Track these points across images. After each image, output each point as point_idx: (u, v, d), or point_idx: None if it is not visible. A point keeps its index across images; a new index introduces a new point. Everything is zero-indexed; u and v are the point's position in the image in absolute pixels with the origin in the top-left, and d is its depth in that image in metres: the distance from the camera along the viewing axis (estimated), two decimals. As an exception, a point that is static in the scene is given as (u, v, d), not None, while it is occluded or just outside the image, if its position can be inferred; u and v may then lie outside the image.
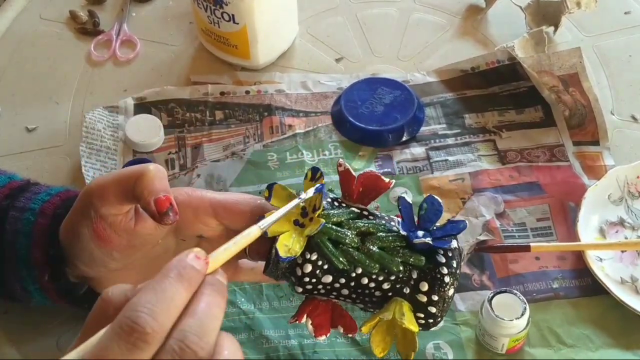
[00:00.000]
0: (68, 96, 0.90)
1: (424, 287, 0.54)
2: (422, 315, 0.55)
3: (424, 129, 0.84)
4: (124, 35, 0.96)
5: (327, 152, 0.82)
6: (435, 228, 0.56)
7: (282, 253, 0.52)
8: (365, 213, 0.56)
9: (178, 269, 0.41)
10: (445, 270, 0.54)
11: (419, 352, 0.66)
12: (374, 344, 0.56)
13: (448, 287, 0.54)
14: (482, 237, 0.74)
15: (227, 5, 0.83)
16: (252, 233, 0.48)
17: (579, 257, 0.72)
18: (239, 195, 0.57)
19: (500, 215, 0.76)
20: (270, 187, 0.55)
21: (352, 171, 0.56)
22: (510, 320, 0.63)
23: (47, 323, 0.69)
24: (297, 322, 0.56)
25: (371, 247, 0.54)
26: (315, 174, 0.55)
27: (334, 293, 0.55)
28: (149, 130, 0.83)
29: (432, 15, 0.98)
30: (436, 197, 0.56)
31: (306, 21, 0.97)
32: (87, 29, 0.97)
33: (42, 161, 0.83)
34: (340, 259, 0.53)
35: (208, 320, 0.41)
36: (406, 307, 0.54)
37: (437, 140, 0.83)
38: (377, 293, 0.55)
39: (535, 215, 0.76)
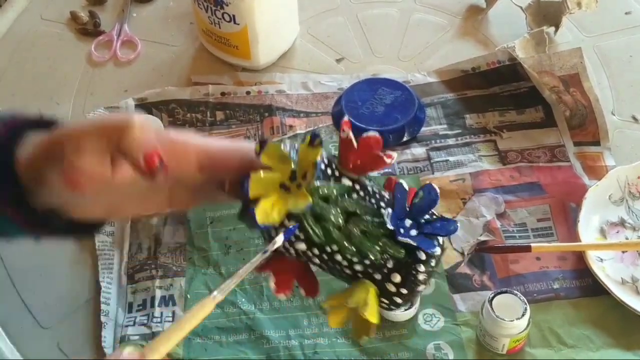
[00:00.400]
0: (69, 97, 0.90)
1: (396, 278, 0.53)
2: (387, 301, 0.54)
3: (424, 129, 0.84)
4: (125, 36, 0.96)
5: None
6: (425, 220, 0.55)
7: (260, 219, 0.50)
8: (357, 187, 0.55)
9: None
10: (422, 269, 0.53)
11: (420, 352, 0.67)
12: (331, 319, 0.54)
13: (420, 284, 0.53)
14: (482, 238, 0.74)
15: (227, 5, 0.83)
16: (205, 308, 0.44)
17: (580, 257, 0.72)
18: (226, 144, 0.52)
19: (501, 216, 0.76)
20: (263, 143, 0.51)
21: (353, 141, 0.54)
22: (511, 321, 0.63)
23: (47, 322, 0.69)
24: (261, 273, 0.54)
25: (353, 229, 0.53)
26: (314, 140, 0.52)
27: (305, 259, 0.54)
28: (149, 131, 0.83)
29: (432, 15, 0.98)
30: (435, 186, 0.55)
31: (307, 21, 0.97)
32: (88, 30, 0.97)
33: (42, 161, 0.83)
34: (319, 234, 0.52)
35: None
36: (372, 293, 0.53)
37: (438, 141, 0.83)
38: (348, 271, 0.54)
39: (536, 215, 0.76)
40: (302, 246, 0.53)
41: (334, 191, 0.53)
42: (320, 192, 0.52)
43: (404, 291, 0.53)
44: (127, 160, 0.47)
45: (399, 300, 0.53)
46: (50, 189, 0.51)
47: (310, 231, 0.52)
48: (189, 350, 0.68)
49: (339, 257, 0.53)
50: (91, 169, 0.48)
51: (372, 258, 0.53)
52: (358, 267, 0.53)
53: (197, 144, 0.51)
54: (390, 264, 0.53)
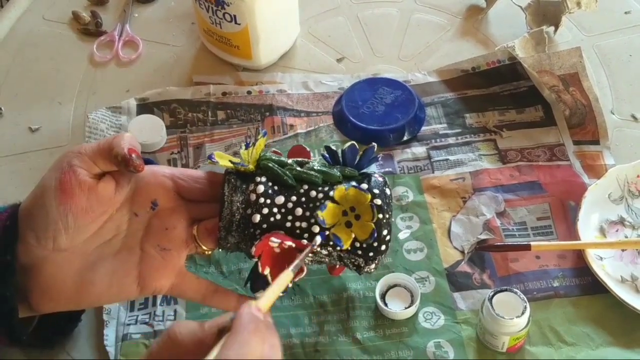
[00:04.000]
0: (71, 96, 0.90)
1: (365, 186, 0.60)
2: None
3: (424, 128, 0.84)
4: (127, 36, 0.96)
5: (328, 152, 0.82)
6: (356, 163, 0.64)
7: (237, 160, 0.61)
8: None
9: None
10: (377, 174, 0.62)
11: (420, 350, 0.67)
12: (326, 214, 0.60)
13: (383, 184, 0.61)
14: (482, 236, 0.74)
15: (228, 5, 0.83)
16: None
17: (580, 255, 0.72)
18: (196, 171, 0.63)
19: (500, 214, 0.76)
20: (210, 157, 0.61)
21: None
22: (511, 319, 0.64)
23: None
24: (262, 272, 0.59)
25: (310, 168, 0.62)
26: (247, 144, 0.62)
27: (289, 217, 0.59)
28: (151, 131, 0.83)
29: (432, 15, 0.99)
30: (374, 145, 0.63)
31: (307, 21, 0.97)
32: (90, 30, 0.97)
33: (45, 161, 0.83)
34: (288, 175, 0.60)
35: None
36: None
37: (438, 140, 0.83)
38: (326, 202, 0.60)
39: (536, 214, 0.76)
40: (280, 199, 0.60)
41: (282, 158, 0.63)
42: (273, 157, 0.62)
43: (376, 191, 0.60)
44: (113, 153, 0.57)
45: (379, 202, 0.60)
46: (43, 203, 0.57)
47: (281, 174, 0.61)
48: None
49: (313, 193, 0.60)
50: (82, 171, 0.57)
51: (337, 179, 0.61)
52: (332, 193, 0.60)
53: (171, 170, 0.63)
54: (353, 182, 0.61)
